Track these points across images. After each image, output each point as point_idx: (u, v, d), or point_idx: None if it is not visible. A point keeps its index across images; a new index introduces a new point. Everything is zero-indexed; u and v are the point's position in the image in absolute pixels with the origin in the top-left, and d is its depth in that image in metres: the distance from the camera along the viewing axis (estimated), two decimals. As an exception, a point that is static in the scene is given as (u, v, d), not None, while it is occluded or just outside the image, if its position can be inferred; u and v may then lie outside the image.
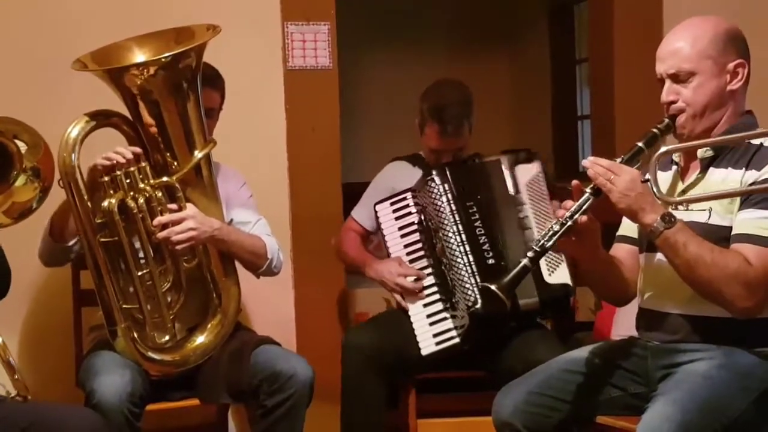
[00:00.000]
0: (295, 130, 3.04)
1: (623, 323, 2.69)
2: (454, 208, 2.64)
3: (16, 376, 1.56)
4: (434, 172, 2.68)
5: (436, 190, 2.66)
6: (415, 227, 2.74)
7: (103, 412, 2.13)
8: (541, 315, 2.69)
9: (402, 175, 2.86)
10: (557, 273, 2.57)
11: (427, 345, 2.63)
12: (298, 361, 2.38)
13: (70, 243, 2.35)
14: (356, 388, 2.60)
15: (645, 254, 2.11)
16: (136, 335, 2.31)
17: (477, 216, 2.64)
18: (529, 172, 2.67)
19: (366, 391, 2.59)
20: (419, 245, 2.73)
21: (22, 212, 1.75)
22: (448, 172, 2.67)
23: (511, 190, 2.66)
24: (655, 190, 1.84)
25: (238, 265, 2.49)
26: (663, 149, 1.87)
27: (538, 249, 1.93)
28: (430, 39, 5.34)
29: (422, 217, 2.72)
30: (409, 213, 2.75)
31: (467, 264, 2.60)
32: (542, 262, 2.55)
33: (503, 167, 2.68)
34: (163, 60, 2.26)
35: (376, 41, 5.21)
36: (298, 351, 2.77)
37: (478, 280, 2.56)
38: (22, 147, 1.72)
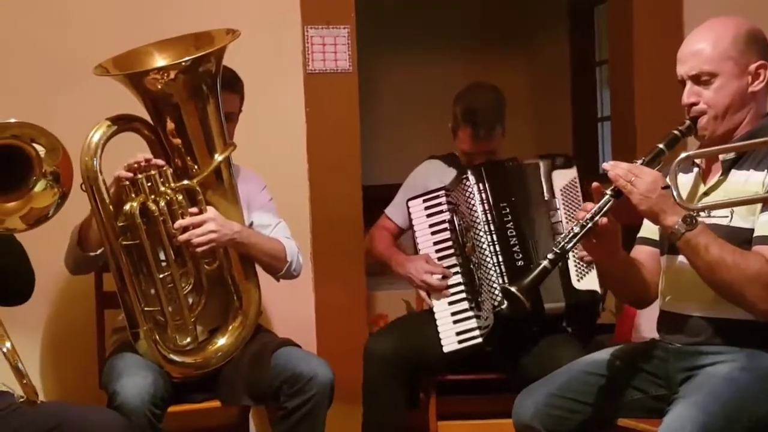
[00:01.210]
0: (315, 133, 3.05)
1: (644, 326, 2.68)
2: (486, 208, 2.65)
3: (25, 381, 1.57)
4: (469, 172, 2.69)
5: (470, 190, 2.67)
6: (446, 225, 2.75)
7: (125, 413, 2.15)
8: (567, 321, 2.67)
9: (436, 174, 2.88)
10: (586, 279, 2.57)
11: (450, 343, 2.63)
12: (319, 363, 2.39)
13: (98, 252, 2.37)
14: (377, 394, 2.61)
15: (666, 256, 2.10)
16: (158, 337, 2.33)
17: (509, 218, 2.65)
18: (565, 177, 2.68)
19: (387, 397, 2.60)
20: (449, 243, 2.74)
21: (38, 218, 1.75)
22: (483, 173, 2.68)
23: (546, 194, 2.66)
24: (675, 195, 1.83)
25: (258, 267, 2.50)
26: (683, 155, 1.86)
27: (558, 251, 1.93)
28: (450, 42, 5.33)
29: (454, 216, 2.73)
30: (441, 211, 2.76)
31: (496, 264, 2.60)
32: (572, 268, 2.55)
33: (540, 171, 2.68)
34: (183, 64, 2.27)
35: (396, 44, 5.21)
36: (319, 353, 2.78)
37: (506, 281, 2.56)
38: (41, 151, 1.73)
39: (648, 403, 2.08)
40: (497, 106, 2.81)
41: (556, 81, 5.49)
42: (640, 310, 2.56)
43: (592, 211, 1.93)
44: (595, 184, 1.98)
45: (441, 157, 2.94)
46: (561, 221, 2.63)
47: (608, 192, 1.94)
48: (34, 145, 1.73)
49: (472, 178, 2.68)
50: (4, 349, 1.60)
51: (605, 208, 1.93)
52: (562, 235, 1.95)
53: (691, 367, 2.01)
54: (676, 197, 1.82)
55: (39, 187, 1.75)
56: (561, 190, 2.67)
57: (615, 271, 2.11)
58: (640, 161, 1.97)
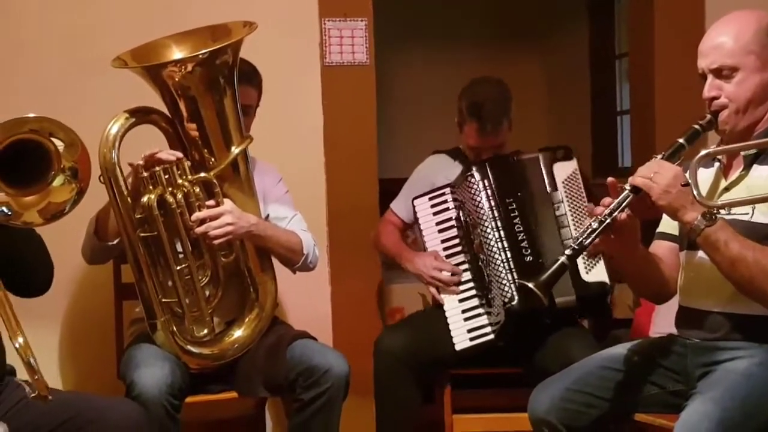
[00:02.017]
0: (332, 126, 3.05)
1: (662, 320, 2.66)
2: (493, 204, 2.64)
3: (37, 377, 1.58)
4: (474, 168, 2.68)
5: (475, 186, 2.66)
6: (452, 223, 2.74)
7: (143, 403, 2.16)
8: (579, 314, 2.67)
9: (442, 168, 2.86)
10: (594, 271, 2.55)
11: (461, 340, 2.62)
12: (334, 356, 2.39)
13: (114, 242, 2.38)
14: (388, 391, 2.61)
15: (686, 252, 2.09)
16: (175, 329, 2.34)
17: (516, 213, 2.63)
18: (566, 169, 2.66)
19: (398, 393, 2.60)
20: (456, 241, 2.72)
21: (55, 213, 1.76)
22: (488, 168, 2.67)
23: (548, 187, 2.65)
24: (695, 193, 1.82)
25: (274, 260, 2.51)
26: (703, 152, 1.84)
27: (576, 247, 1.91)
28: (468, 35, 5.31)
29: (460, 213, 2.72)
30: (447, 209, 2.75)
31: (505, 260, 2.59)
32: (580, 261, 2.53)
33: (541, 165, 2.67)
34: (200, 57, 2.28)
35: (413, 37, 5.20)
36: (335, 346, 2.78)
37: (516, 277, 2.55)
38: (60, 146, 1.73)
39: (665, 398, 2.07)
40: (503, 99, 2.77)
41: (574, 75, 5.46)
42: (658, 305, 2.55)
43: (611, 206, 1.92)
44: (610, 179, 1.97)
45: (446, 151, 2.92)
46: (565, 214, 2.61)
47: (627, 187, 1.93)
48: (53, 139, 1.73)
49: (477, 175, 2.66)
50: (17, 345, 1.61)
51: (624, 204, 1.92)
52: (580, 231, 1.94)
53: (709, 362, 2.00)
54: (696, 195, 1.81)
55: (57, 182, 1.76)
56: (563, 182, 2.64)
57: (634, 267, 2.10)
58: (660, 156, 1.96)
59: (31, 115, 1.73)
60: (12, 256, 1.69)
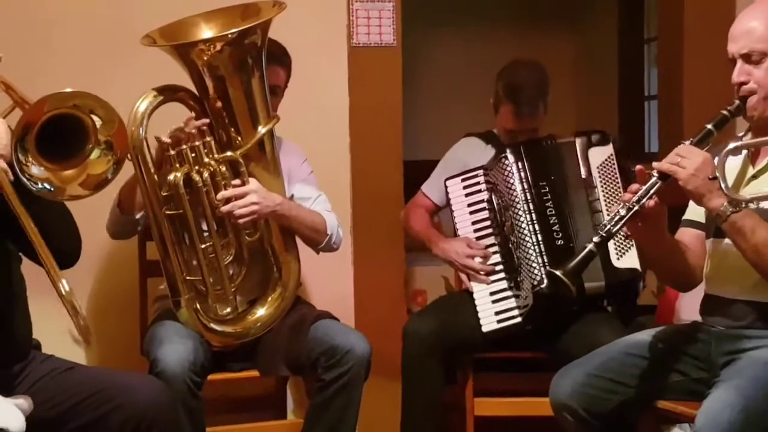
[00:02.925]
0: (358, 107, 3.04)
1: (687, 308, 2.65)
2: (526, 187, 2.62)
3: (81, 321, 1.61)
4: (508, 151, 2.67)
5: (509, 169, 2.65)
6: (484, 205, 2.73)
7: (166, 379, 2.18)
8: (607, 299, 2.65)
9: (474, 151, 2.85)
10: (626, 257, 2.53)
11: (489, 322, 2.63)
12: (356, 337, 2.40)
13: (137, 216, 2.40)
14: (416, 376, 2.62)
15: (712, 240, 2.07)
16: (198, 306, 2.35)
17: (549, 197, 2.62)
18: (601, 154, 2.64)
19: (426, 379, 2.61)
20: (488, 223, 2.72)
21: (98, 184, 1.80)
22: (522, 151, 2.65)
23: (583, 172, 2.63)
24: (723, 186, 1.80)
25: (298, 240, 2.52)
26: (732, 146, 1.83)
27: (604, 234, 1.91)
28: (495, 16, 5.27)
29: (492, 195, 2.71)
30: (480, 190, 2.74)
31: (535, 244, 2.58)
32: (611, 246, 2.52)
33: (576, 149, 2.65)
34: (229, 36, 2.28)
35: (441, 19, 5.16)
36: (356, 327, 2.79)
37: (546, 261, 2.54)
38: (98, 122, 1.76)
39: (688, 385, 2.06)
40: (541, 83, 2.76)
41: (602, 58, 5.41)
42: (682, 293, 2.53)
43: (639, 193, 1.91)
44: (638, 166, 1.95)
45: (479, 134, 2.91)
46: (599, 199, 2.60)
47: (655, 174, 1.91)
48: (93, 116, 1.76)
49: (510, 157, 2.65)
50: (62, 289, 1.64)
51: (652, 191, 1.90)
52: (608, 218, 1.93)
53: (733, 350, 1.99)
54: (724, 188, 1.79)
55: (94, 155, 1.79)
56: (598, 167, 2.63)
57: (660, 254, 2.08)
58: (688, 142, 1.94)
59: (69, 90, 1.75)
60: (41, 227, 1.71)
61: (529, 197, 2.62)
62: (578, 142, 2.66)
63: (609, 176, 2.62)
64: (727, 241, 1.97)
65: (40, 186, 1.74)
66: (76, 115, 1.75)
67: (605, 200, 2.59)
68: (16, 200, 1.68)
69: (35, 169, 1.73)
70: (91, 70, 2.80)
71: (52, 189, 1.75)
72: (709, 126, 1.97)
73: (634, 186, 1.94)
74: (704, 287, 2.12)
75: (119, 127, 1.80)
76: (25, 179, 1.72)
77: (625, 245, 2.53)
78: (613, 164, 2.62)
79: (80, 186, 1.78)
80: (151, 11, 2.67)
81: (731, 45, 2.00)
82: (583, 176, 2.63)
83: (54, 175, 1.75)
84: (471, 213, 2.75)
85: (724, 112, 1.98)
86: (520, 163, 2.64)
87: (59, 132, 1.74)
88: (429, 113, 5.05)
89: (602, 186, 2.61)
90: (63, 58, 2.82)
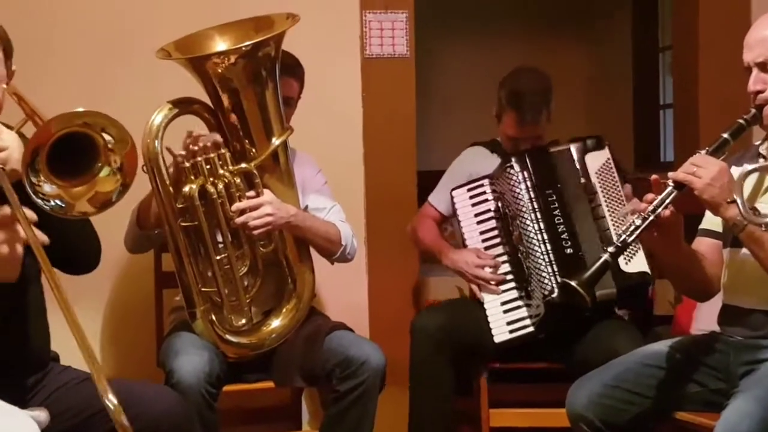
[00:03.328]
0: (372, 118, 3.05)
1: (704, 318, 2.63)
2: (533, 195, 2.61)
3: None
4: (513, 159, 2.66)
5: (515, 177, 2.64)
6: (491, 214, 2.72)
7: (182, 390, 2.18)
8: (618, 304, 2.63)
9: (480, 160, 2.84)
10: (634, 261, 2.50)
11: (501, 332, 2.61)
12: (371, 348, 2.40)
13: (155, 232, 2.41)
14: (425, 372, 2.59)
15: (729, 249, 2.06)
16: (214, 318, 2.36)
17: (556, 204, 2.61)
18: (599, 159, 2.62)
19: (435, 377, 2.58)
20: (495, 232, 2.71)
21: (104, 202, 1.80)
22: (527, 160, 2.65)
23: (582, 178, 2.62)
24: (741, 210, 1.79)
25: (313, 251, 2.52)
26: (749, 168, 1.83)
27: (619, 244, 1.90)
28: (508, 27, 5.28)
29: (499, 205, 2.70)
30: (486, 200, 2.74)
31: (545, 252, 2.56)
32: None
33: (573, 156, 2.64)
34: (243, 49, 2.29)
35: (454, 29, 5.18)
36: (371, 337, 2.79)
37: (556, 269, 2.53)
38: (109, 141, 1.78)
39: (707, 396, 2.04)
40: (543, 90, 2.74)
41: (617, 67, 5.40)
42: (700, 303, 2.51)
43: (654, 203, 1.90)
44: (654, 176, 1.94)
45: (484, 143, 2.90)
46: (601, 204, 2.58)
47: (671, 183, 1.90)
48: (104, 134, 1.77)
49: (516, 166, 2.64)
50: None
51: (668, 200, 1.89)
52: (624, 228, 1.92)
53: (751, 360, 1.97)
54: (743, 211, 1.78)
55: (103, 173, 1.80)
56: (596, 173, 2.61)
57: (677, 264, 2.07)
58: (704, 151, 1.93)
59: (81, 109, 1.76)
60: (61, 232, 1.73)
61: (536, 206, 2.61)
62: (574, 149, 2.65)
63: (608, 181, 2.60)
64: (744, 250, 1.96)
65: (52, 203, 1.75)
66: (86, 133, 1.76)
67: (607, 205, 2.57)
68: (23, 216, 1.69)
69: (47, 188, 1.74)
70: (106, 83, 2.82)
71: (63, 205, 1.76)
72: (725, 135, 1.96)
73: (649, 195, 1.93)
74: (722, 297, 2.11)
75: (131, 148, 1.81)
76: (39, 200, 1.73)
77: (632, 249, 2.51)
78: (611, 168, 2.61)
79: (88, 202, 1.79)
80: (163, 25, 2.70)
81: (747, 53, 2.00)
82: (583, 182, 2.61)
83: (65, 192, 1.76)
84: (478, 223, 2.74)
85: (740, 120, 1.98)
86: (525, 172, 2.63)
87: (70, 149, 1.75)
88: (443, 123, 5.06)
89: (603, 191, 2.59)
90: (75, 72, 2.84)
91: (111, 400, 1.62)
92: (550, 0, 5.36)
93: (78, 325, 1.66)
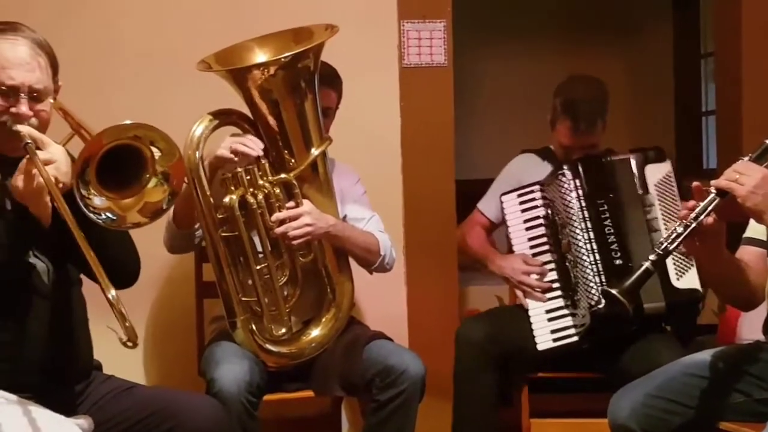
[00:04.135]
0: (410, 127, 3.05)
1: (749, 326, 2.59)
2: (584, 204, 2.60)
3: (127, 323, 1.65)
4: (566, 167, 2.65)
5: (566, 185, 2.63)
6: (540, 221, 2.71)
7: (223, 400, 2.19)
8: (667, 320, 2.59)
9: (530, 168, 2.84)
10: (686, 278, 2.48)
11: (544, 340, 2.60)
12: (411, 357, 2.39)
13: (190, 231, 2.43)
14: (469, 380, 2.58)
15: (773, 257, 2.02)
16: (254, 327, 2.37)
17: (607, 214, 2.59)
18: (659, 171, 2.60)
19: (479, 385, 2.57)
20: (544, 239, 2.70)
21: (154, 212, 1.83)
22: (580, 168, 2.63)
23: (639, 189, 2.59)
24: None
25: (351, 260, 2.53)
26: None
27: (661, 252, 1.87)
28: (548, 34, 5.25)
29: (549, 212, 2.69)
30: (536, 206, 2.72)
31: (593, 262, 2.54)
32: (671, 266, 2.48)
33: (632, 166, 2.61)
34: (282, 60, 2.31)
35: (492, 38, 5.17)
36: (410, 347, 2.77)
37: (603, 280, 2.50)
38: (157, 153, 1.81)
39: (751, 406, 2.01)
40: (599, 99, 2.74)
41: (658, 73, 5.35)
42: (743, 311, 2.47)
43: (696, 210, 1.87)
44: (695, 183, 1.92)
45: (535, 151, 2.89)
46: (657, 218, 2.55)
47: (713, 190, 1.88)
48: (153, 147, 1.80)
49: (568, 174, 2.63)
50: (110, 296, 1.68)
51: (710, 208, 1.87)
52: (665, 236, 1.90)
53: (797, 371, 1.93)
54: None
55: (151, 183, 1.82)
56: (655, 185, 2.58)
57: (719, 273, 2.04)
58: (746, 158, 1.90)
59: (128, 122, 1.79)
60: (101, 250, 1.76)
61: (586, 215, 2.59)
62: (634, 159, 2.62)
63: (667, 194, 2.57)
64: (789, 258, 1.92)
65: (103, 216, 1.78)
66: (135, 145, 1.79)
67: (664, 218, 2.55)
68: (75, 226, 1.72)
69: (97, 200, 1.77)
70: (146, 95, 2.86)
71: (115, 218, 1.79)
72: (769, 141, 1.93)
73: (691, 202, 1.91)
74: (766, 306, 2.07)
75: (178, 161, 1.84)
76: (90, 213, 1.76)
77: (686, 265, 2.48)
78: (672, 182, 2.58)
79: (138, 213, 1.81)
80: (201, 37, 2.73)
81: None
82: (640, 193, 2.59)
83: (115, 204, 1.79)
84: (527, 229, 2.73)
85: (784, 126, 1.95)
86: (577, 180, 2.62)
87: (117, 161, 1.77)
88: (481, 132, 5.05)
89: (660, 204, 2.56)
90: (115, 85, 2.87)
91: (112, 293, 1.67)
92: (589, 8, 5.33)
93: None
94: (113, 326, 1.68)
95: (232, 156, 2.31)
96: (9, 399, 1.82)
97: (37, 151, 1.79)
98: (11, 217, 1.85)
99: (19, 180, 1.79)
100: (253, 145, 2.32)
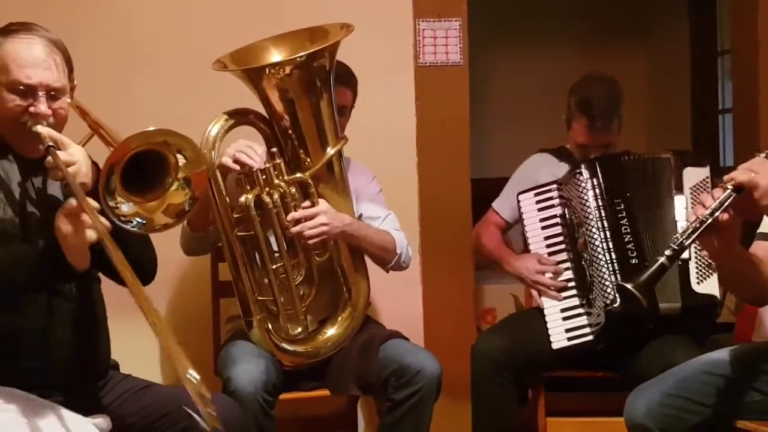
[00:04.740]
0: (425, 126, 3.05)
1: (765, 325, 2.57)
2: (601, 203, 2.59)
3: (208, 409, 1.64)
4: (583, 166, 2.64)
5: (583, 184, 2.62)
6: (557, 220, 2.70)
7: (239, 399, 2.20)
8: (682, 323, 2.57)
9: (546, 167, 2.83)
10: (706, 283, 2.46)
11: (559, 339, 2.59)
12: (426, 356, 2.39)
13: (205, 232, 2.43)
14: (486, 393, 2.59)
15: (790, 254, 2.01)
16: (270, 326, 2.38)
17: (624, 214, 2.57)
18: (697, 175, 2.58)
19: (496, 396, 2.58)
20: (560, 239, 2.69)
21: (178, 213, 1.84)
22: (597, 167, 2.62)
23: (674, 190, 2.58)
24: None
25: (367, 259, 2.53)
26: None
27: (676, 247, 1.87)
28: (563, 33, 5.23)
29: (565, 211, 2.68)
30: (553, 206, 2.72)
31: (609, 261, 2.54)
32: (692, 270, 2.47)
33: (672, 167, 2.60)
34: (298, 59, 2.31)
35: (508, 36, 5.15)
36: (426, 346, 2.78)
37: (619, 279, 2.49)
38: (181, 160, 1.82)
39: (769, 405, 2.00)
40: (614, 97, 2.73)
41: (674, 71, 5.32)
42: (761, 309, 2.46)
43: (712, 206, 1.86)
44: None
45: (551, 150, 2.89)
46: (686, 220, 2.53)
47: (729, 186, 1.87)
48: (179, 155, 1.81)
49: (585, 173, 2.62)
50: (190, 376, 1.68)
51: (726, 204, 1.86)
52: (681, 231, 1.89)
53: (815, 369, 1.92)
54: None
55: (173, 187, 1.83)
56: (691, 188, 2.57)
57: (734, 268, 2.03)
58: (763, 155, 1.89)
59: (152, 128, 1.79)
60: (122, 249, 1.77)
61: (603, 214, 2.58)
62: (673, 160, 2.61)
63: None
64: (806, 255, 1.91)
65: (134, 222, 1.78)
66: (160, 151, 1.79)
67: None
68: (112, 243, 1.72)
69: (125, 207, 1.77)
70: (162, 95, 2.87)
71: (144, 222, 1.80)
72: (786, 138, 1.92)
73: (708, 199, 1.90)
74: (784, 303, 2.06)
75: (203, 171, 1.85)
76: (121, 223, 1.76)
77: (707, 271, 2.47)
78: (708, 188, 2.55)
79: (163, 214, 1.82)
80: (217, 36, 2.74)
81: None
82: (674, 194, 2.57)
83: (141, 208, 1.80)
84: (543, 228, 2.72)
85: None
86: (595, 179, 2.61)
87: (140, 165, 1.78)
88: (496, 131, 5.04)
89: (693, 207, 2.54)
90: (130, 85, 2.88)
91: (192, 374, 1.63)
92: (605, 6, 5.30)
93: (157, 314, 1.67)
94: (190, 410, 1.64)
95: (234, 165, 2.31)
96: (31, 398, 1.84)
97: (58, 152, 1.80)
98: (42, 245, 1.82)
99: (65, 224, 1.76)
100: (256, 157, 2.32)
